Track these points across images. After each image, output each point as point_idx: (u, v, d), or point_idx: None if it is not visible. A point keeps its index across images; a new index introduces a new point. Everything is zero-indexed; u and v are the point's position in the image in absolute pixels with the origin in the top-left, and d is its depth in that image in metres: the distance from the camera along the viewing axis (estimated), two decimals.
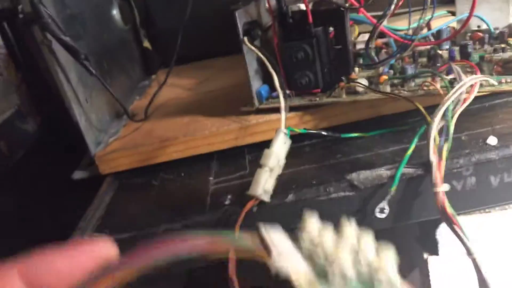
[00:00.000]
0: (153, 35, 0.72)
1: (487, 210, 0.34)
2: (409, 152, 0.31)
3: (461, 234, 0.27)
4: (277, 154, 0.32)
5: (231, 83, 0.54)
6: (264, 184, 0.31)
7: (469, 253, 0.27)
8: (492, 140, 0.33)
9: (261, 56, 0.38)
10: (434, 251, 0.37)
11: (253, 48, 0.38)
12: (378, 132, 0.39)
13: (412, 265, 0.43)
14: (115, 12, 0.61)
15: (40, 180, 0.56)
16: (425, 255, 0.37)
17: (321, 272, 0.17)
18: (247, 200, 0.33)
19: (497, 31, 0.41)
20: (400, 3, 0.38)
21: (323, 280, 0.17)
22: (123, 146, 0.43)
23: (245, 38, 0.39)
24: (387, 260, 0.17)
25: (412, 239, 0.39)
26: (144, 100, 0.55)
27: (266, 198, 0.32)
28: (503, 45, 0.39)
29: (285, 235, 0.18)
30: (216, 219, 0.33)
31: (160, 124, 0.47)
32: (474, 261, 0.27)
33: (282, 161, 0.33)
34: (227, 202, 0.35)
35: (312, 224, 0.18)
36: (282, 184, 0.34)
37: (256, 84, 0.41)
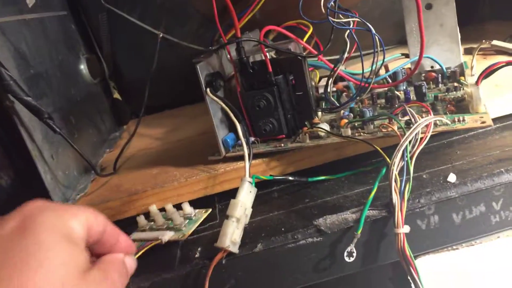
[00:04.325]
0: (123, 86, 0.72)
1: (454, 247, 0.34)
2: (372, 194, 0.32)
3: (416, 278, 0.27)
4: (243, 204, 0.32)
5: (199, 130, 0.55)
6: (232, 235, 0.31)
7: None
8: (452, 177, 0.34)
9: (224, 106, 0.39)
10: None
11: (215, 98, 0.39)
12: (343, 174, 0.39)
13: None
14: (83, 67, 0.62)
15: None
16: None
17: None
18: (217, 252, 0.32)
19: (450, 71, 0.44)
20: (354, 49, 0.39)
21: None
22: (91, 202, 0.43)
23: (208, 90, 0.39)
24: None
25: (386, 280, 0.39)
26: (115, 152, 0.55)
27: (235, 249, 0.32)
28: (455, 84, 0.41)
29: None
30: (186, 273, 0.33)
31: (129, 176, 0.47)
32: None
33: (249, 210, 0.33)
34: (197, 255, 0.34)
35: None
36: (251, 233, 0.34)
37: (222, 132, 0.42)
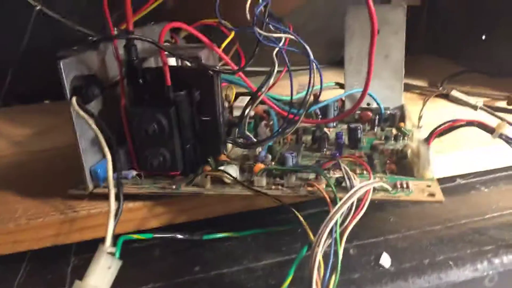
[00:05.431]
0: None
1: None
2: (285, 285, 0.23)
3: None
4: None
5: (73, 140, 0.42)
6: None
7: None
8: (385, 260, 0.26)
9: (93, 127, 0.27)
10: None
11: (83, 113, 0.27)
12: (250, 232, 0.30)
13: None
14: None
15: None
16: None
17: None
18: None
19: (388, 112, 0.37)
20: (283, 73, 0.30)
21: None
22: None
23: (74, 99, 0.27)
24: None
25: None
26: None
27: None
28: (394, 131, 0.34)
29: None
30: None
31: None
32: None
33: None
34: None
35: None
36: None
37: (92, 159, 0.30)
